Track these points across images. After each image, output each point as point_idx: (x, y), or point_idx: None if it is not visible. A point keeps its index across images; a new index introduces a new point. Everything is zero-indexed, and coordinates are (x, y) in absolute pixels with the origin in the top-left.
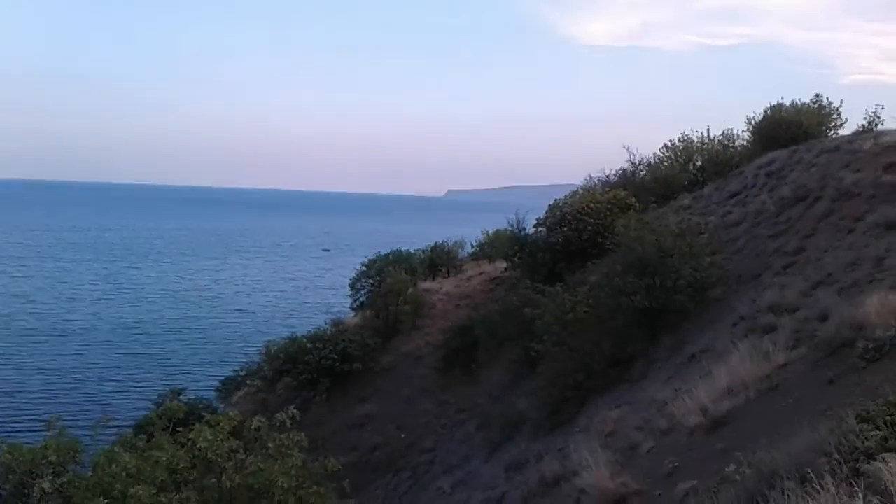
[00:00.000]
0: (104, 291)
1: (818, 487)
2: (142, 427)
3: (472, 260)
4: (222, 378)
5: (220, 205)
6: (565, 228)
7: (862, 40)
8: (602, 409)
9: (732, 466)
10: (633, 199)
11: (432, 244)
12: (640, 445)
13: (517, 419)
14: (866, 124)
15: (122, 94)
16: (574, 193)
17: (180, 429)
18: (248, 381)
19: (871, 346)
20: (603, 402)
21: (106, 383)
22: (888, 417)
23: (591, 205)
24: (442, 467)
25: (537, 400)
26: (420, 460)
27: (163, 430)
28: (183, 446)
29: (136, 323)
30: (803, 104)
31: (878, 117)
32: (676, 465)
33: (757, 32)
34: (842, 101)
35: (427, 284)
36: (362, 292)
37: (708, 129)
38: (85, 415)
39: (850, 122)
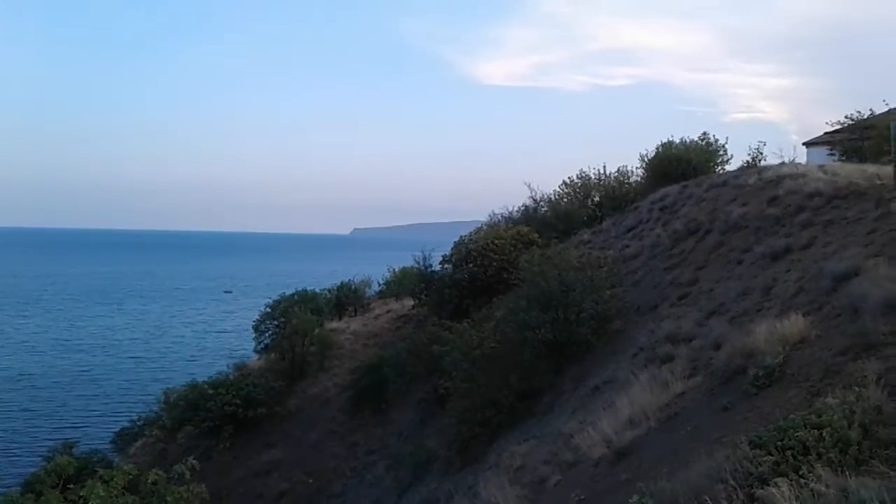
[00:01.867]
0: None
1: None
2: (30, 485)
3: (380, 298)
4: (118, 429)
5: (114, 247)
6: (471, 265)
7: (743, 80)
8: (511, 444)
9: (635, 497)
10: (536, 235)
11: (339, 283)
12: (548, 479)
13: (427, 458)
14: (750, 160)
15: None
16: (479, 230)
17: (71, 486)
18: (146, 432)
19: (761, 373)
20: (512, 436)
21: None
22: (779, 443)
23: (496, 241)
24: None
25: (447, 438)
26: None
27: (52, 487)
28: None
29: (22, 375)
30: (692, 141)
31: (761, 153)
32: (583, 497)
33: (646, 73)
34: (727, 139)
35: (334, 324)
36: (266, 334)
37: (604, 166)
38: None
39: (736, 158)
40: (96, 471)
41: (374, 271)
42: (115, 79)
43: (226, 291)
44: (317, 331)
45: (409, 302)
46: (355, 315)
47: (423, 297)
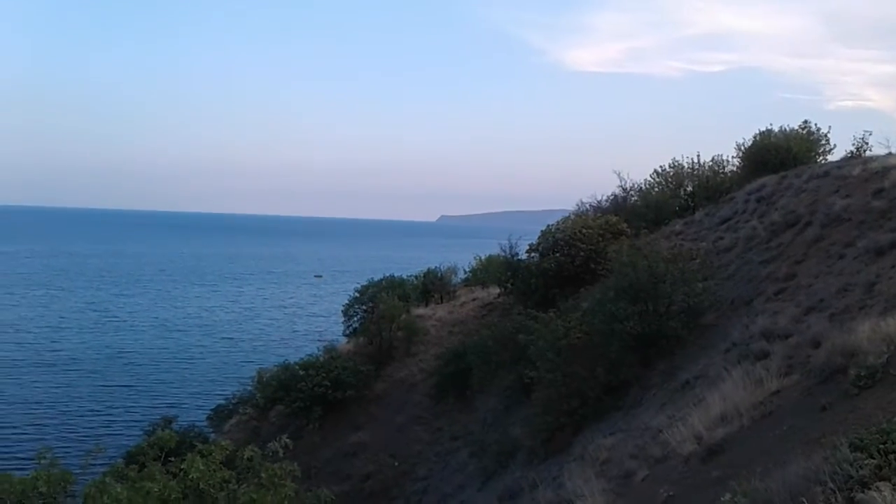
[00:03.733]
0: (92, 320)
1: None
2: (133, 457)
3: (465, 286)
4: (213, 406)
5: (210, 231)
6: (558, 254)
7: (847, 66)
8: (597, 437)
9: (728, 496)
10: (625, 225)
11: (425, 270)
12: (635, 474)
13: (511, 447)
14: (855, 150)
15: (108, 118)
16: (566, 219)
17: (172, 458)
18: (240, 410)
19: (863, 373)
20: (598, 429)
21: (94, 415)
22: (882, 446)
23: (584, 230)
24: (435, 496)
25: (532, 427)
26: (413, 489)
27: (154, 459)
28: (175, 476)
29: (125, 352)
30: (792, 130)
31: (867, 143)
32: (671, 493)
33: (743, 59)
34: (830, 127)
35: (420, 310)
36: (355, 318)
37: (698, 155)
38: (75, 447)
39: (839, 148)
40: (194, 445)
41: (461, 259)
42: (196, 55)
43: (316, 276)
44: (403, 316)
45: (495, 290)
46: (441, 302)
47: (509, 285)
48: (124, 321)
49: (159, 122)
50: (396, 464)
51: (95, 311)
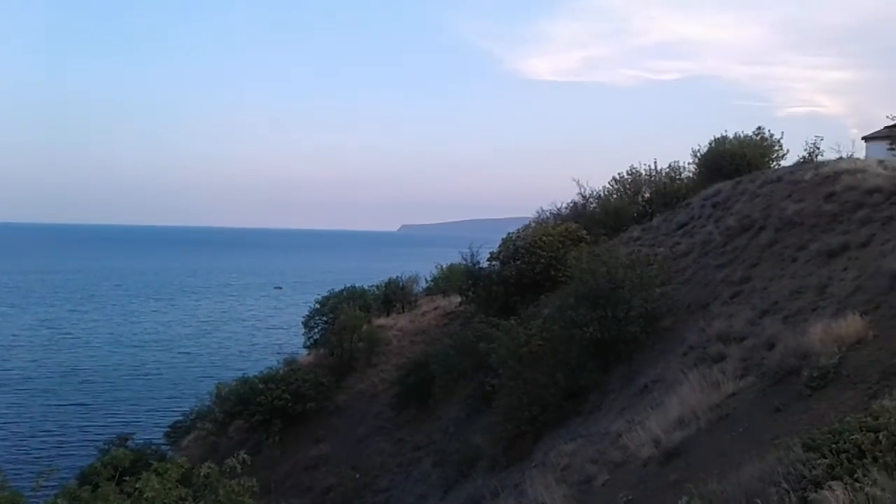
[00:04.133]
0: (45, 337)
1: None
2: (86, 477)
3: (427, 295)
4: (171, 423)
5: (167, 244)
6: (519, 261)
7: (799, 74)
8: (557, 443)
9: (685, 499)
10: (585, 232)
11: (386, 280)
12: (595, 479)
13: (473, 455)
14: (807, 155)
15: (64, 129)
16: (527, 227)
17: (127, 478)
18: (198, 425)
19: (815, 374)
20: (558, 435)
21: (47, 435)
22: (834, 445)
23: (544, 238)
24: None
25: (493, 435)
26: (375, 501)
27: (108, 479)
28: (129, 496)
29: (79, 370)
30: (746, 136)
31: (818, 148)
32: (630, 498)
33: (698, 67)
34: (782, 133)
35: (382, 320)
36: (316, 330)
37: (655, 162)
38: (26, 468)
39: (791, 153)
40: (150, 463)
41: (422, 268)
42: (152, 69)
43: (276, 287)
44: (365, 327)
45: (457, 299)
46: (403, 312)
47: (470, 294)
48: (78, 338)
49: (113, 132)
50: (358, 476)
51: (49, 328)
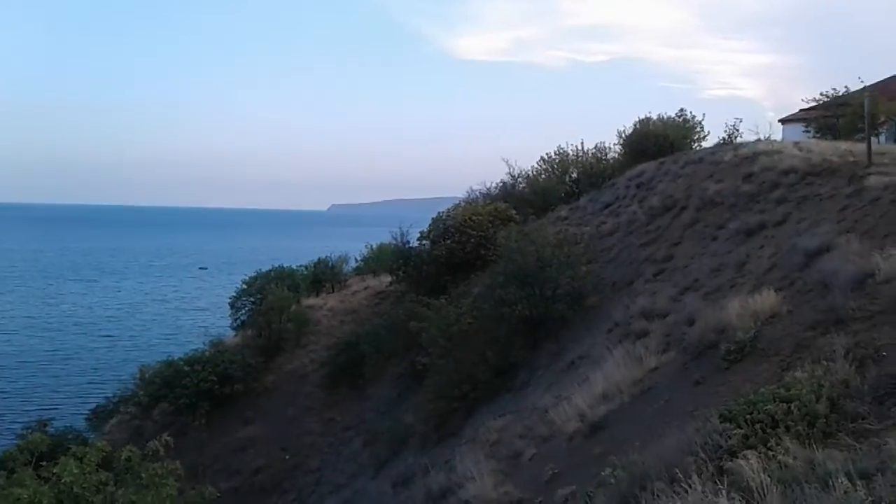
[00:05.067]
0: None
1: (686, 487)
2: (2, 463)
3: (357, 275)
4: (93, 407)
5: (86, 223)
6: (449, 241)
7: (720, 57)
8: (487, 419)
9: (608, 470)
10: (514, 212)
11: (316, 260)
12: (523, 453)
13: (404, 433)
14: (727, 136)
15: None
16: (457, 206)
17: (44, 463)
18: (121, 409)
19: (732, 347)
20: (488, 411)
21: None
22: (749, 416)
23: (474, 217)
24: (328, 487)
25: (424, 413)
26: (305, 481)
27: (25, 464)
28: (47, 481)
29: None
30: (669, 118)
31: (737, 130)
32: (556, 471)
33: (624, 50)
34: (704, 115)
35: (311, 301)
36: (243, 311)
37: (582, 143)
38: None
39: (712, 135)
40: (70, 448)
41: (352, 248)
42: (94, 52)
43: (201, 268)
44: (293, 307)
45: (387, 278)
46: (333, 292)
47: (400, 273)
48: None
49: (26, 111)
50: (287, 457)
51: None
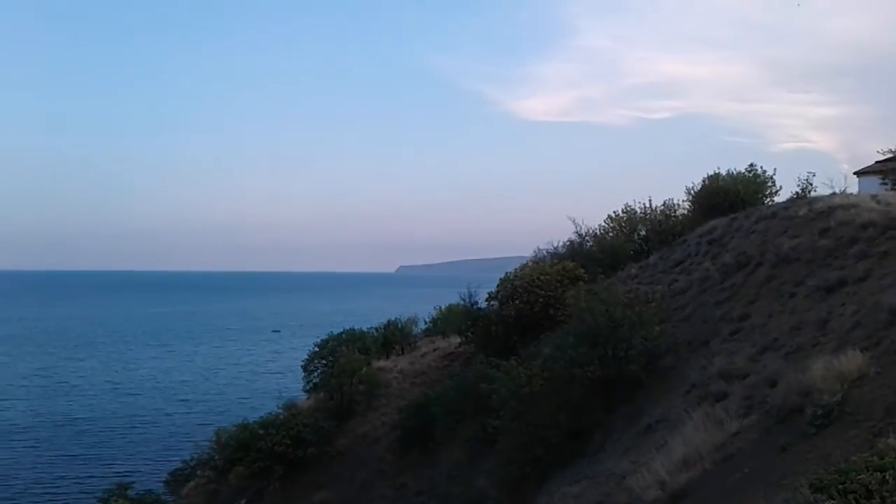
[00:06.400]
0: (40, 386)
1: None
2: None
3: (426, 336)
4: (171, 471)
5: (164, 289)
6: (517, 301)
7: (788, 110)
8: (562, 485)
9: None
10: (582, 270)
11: (385, 321)
12: None
13: (477, 499)
14: (800, 191)
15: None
16: (524, 266)
17: None
18: (198, 472)
19: (819, 412)
20: (563, 476)
21: (43, 486)
22: (841, 486)
23: (541, 277)
24: None
25: (497, 478)
26: None
27: None
28: None
29: (75, 419)
30: (739, 173)
31: (811, 184)
32: None
33: (689, 105)
34: (775, 169)
35: (381, 363)
36: (315, 374)
37: (650, 200)
38: None
39: (785, 189)
40: None
41: (421, 309)
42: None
43: (274, 331)
44: (364, 370)
45: (456, 339)
46: (402, 353)
47: (469, 334)
48: (74, 386)
49: (101, 178)
50: None
51: (44, 376)
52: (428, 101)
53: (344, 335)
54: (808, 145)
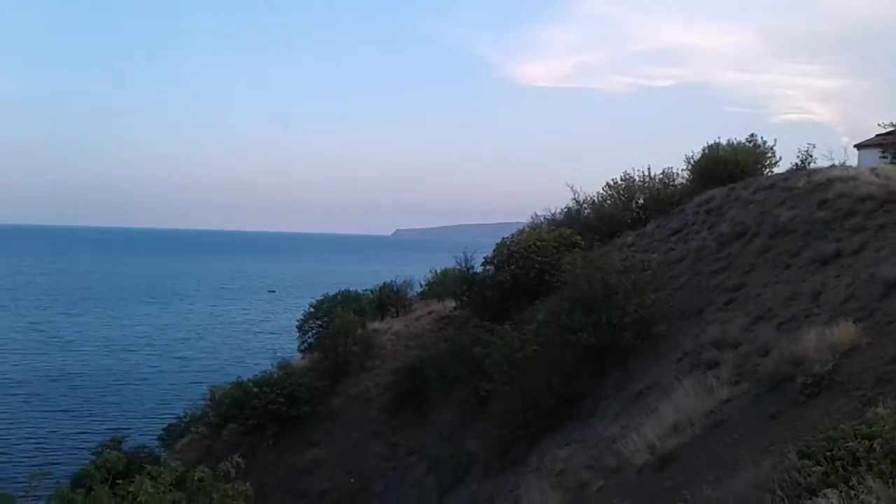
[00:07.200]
0: (35, 340)
1: None
2: (79, 480)
3: (422, 299)
4: (165, 426)
5: (161, 247)
6: (513, 266)
7: (790, 81)
8: (552, 448)
9: None
10: (579, 237)
11: (381, 284)
12: (590, 484)
13: (468, 460)
14: (799, 162)
15: (51, 129)
16: (521, 232)
17: (120, 481)
18: (192, 428)
19: (809, 381)
20: (553, 440)
21: (37, 440)
22: (828, 453)
23: (538, 243)
24: None
25: (488, 440)
26: None
27: (101, 482)
28: (123, 500)
29: (70, 374)
30: (739, 143)
31: (811, 155)
32: None
33: (690, 74)
34: (775, 140)
35: (376, 325)
36: (310, 334)
37: (649, 168)
38: (17, 472)
39: (784, 160)
40: (143, 466)
41: (417, 272)
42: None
43: (269, 291)
44: (359, 331)
45: (451, 303)
46: (397, 316)
47: (464, 298)
48: (69, 341)
49: (104, 134)
50: (352, 480)
51: (39, 331)
52: (427, 64)
53: (339, 296)
54: (810, 117)
